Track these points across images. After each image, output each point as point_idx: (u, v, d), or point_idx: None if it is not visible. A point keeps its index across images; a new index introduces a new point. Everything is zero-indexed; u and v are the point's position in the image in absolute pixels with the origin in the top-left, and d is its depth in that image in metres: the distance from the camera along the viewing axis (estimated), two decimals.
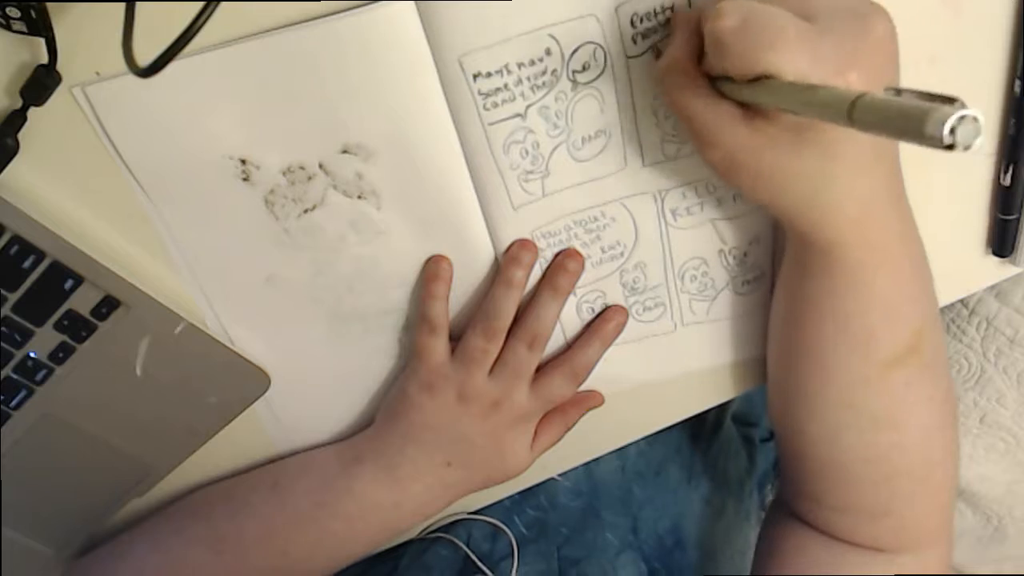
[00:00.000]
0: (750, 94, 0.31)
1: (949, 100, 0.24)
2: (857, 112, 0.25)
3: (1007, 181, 0.43)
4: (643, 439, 0.56)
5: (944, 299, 0.51)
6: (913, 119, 0.23)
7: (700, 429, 0.60)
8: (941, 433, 0.42)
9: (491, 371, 0.43)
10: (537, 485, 0.53)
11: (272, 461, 0.49)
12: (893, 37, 0.32)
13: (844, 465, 0.42)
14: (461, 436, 0.44)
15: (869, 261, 0.36)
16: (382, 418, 0.46)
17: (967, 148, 0.22)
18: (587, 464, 0.54)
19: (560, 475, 0.54)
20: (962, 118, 0.22)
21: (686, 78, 0.33)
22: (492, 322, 0.42)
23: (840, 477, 0.43)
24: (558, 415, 0.47)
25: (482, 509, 0.53)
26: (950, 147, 0.22)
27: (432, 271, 0.42)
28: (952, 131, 0.22)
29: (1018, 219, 0.45)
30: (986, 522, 0.66)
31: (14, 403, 0.40)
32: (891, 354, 0.38)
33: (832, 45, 0.30)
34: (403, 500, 0.45)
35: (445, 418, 0.44)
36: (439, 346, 0.43)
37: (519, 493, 0.53)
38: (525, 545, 0.52)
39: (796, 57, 0.30)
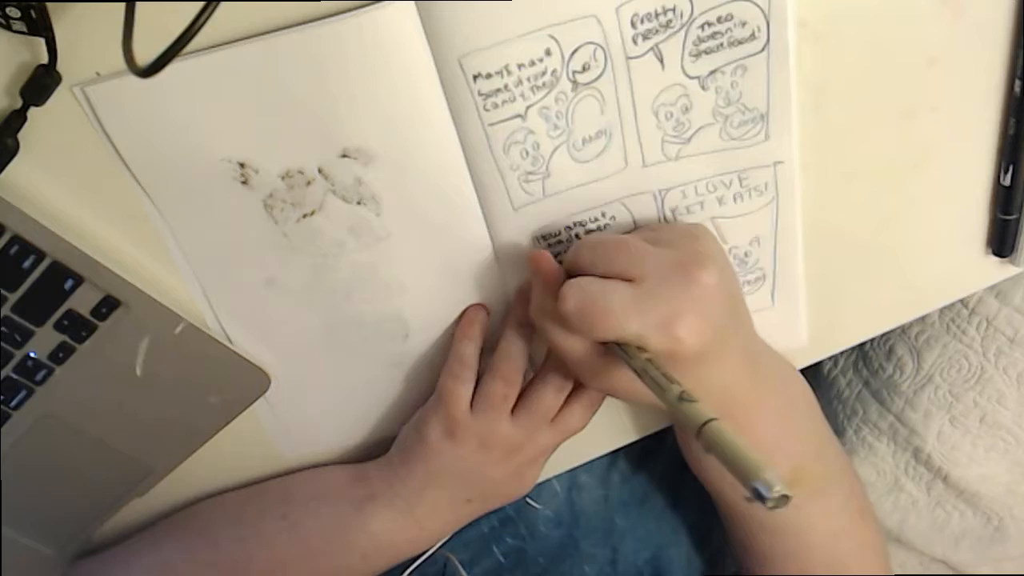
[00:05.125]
0: (617, 351, 0.36)
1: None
2: (704, 434, 0.30)
3: (1007, 181, 0.43)
4: (628, 466, 0.56)
5: (944, 299, 0.51)
6: (750, 466, 0.28)
7: None
8: (849, 532, 0.47)
9: (513, 411, 0.43)
10: (517, 512, 0.53)
11: (275, 463, 0.49)
12: (722, 282, 0.36)
13: (764, 555, 0.47)
14: (483, 478, 0.44)
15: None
16: (399, 457, 0.46)
17: (773, 507, 0.27)
18: (569, 492, 0.54)
19: (541, 504, 0.54)
20: (784, 496, 0.27)
21: (553, 322, 0.38)
22: (509, 364, 0.42)
23: (765, 566, 0.48)
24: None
25: (461, 531, 0.51)
26: (760, 499, 0.27)
27: (470, 315, 0.43)
28: (779, 497, 0.27)
29: (1018, 219, 0.45)
30: (986, 522, 0.66)
31: (14, 403, 0.40)
32: None
33: (655, 305, 0.35)
34: (420, 536, 0.46)
35: (467, 465, 0.43)
36: (464, 393, 0.43)
37: (499, 520, 0.53)
38: (501, 574, 0.52)
39: (625, 325, 0.35)
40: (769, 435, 0.42)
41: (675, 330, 0.35)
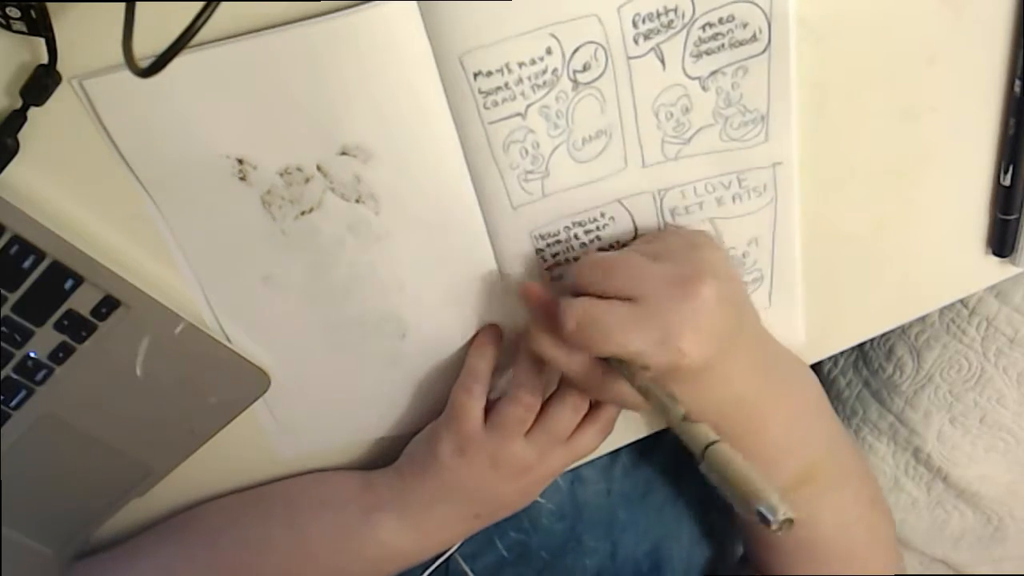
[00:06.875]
0: (619, 369, 0.37)
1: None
2: (707, 457, 0.30)
3: (1007, 181, 0.43)
4: (630, 460, 0.56)
5: (944, 299, 0.51)
6: (754, 490, 0.28)
7: None
8: (860, 523, 0.47)
9: (528, 432, 0.43)
10: None
11: (274, 464, 0.49)
12: (721, 293, 0.36)
13: (774, 544, 0.48)
14: (492, 495, 0.44)
15: (741, 431, 0.40)
16: (408, 469, 0.46)
17: (778, 530, 0.27)
18: (572, 486, 0.54)
19: (544, 498, 0.54)
20: (788, 519, 0.27)
21: (552, 344, 0.39)
22: (529, 387, 0.42)
23: (775, 555, 0.48)
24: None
25: None
26: (765, 522, 0.27)
27: (486, 334, 0.44)
28: (783, 522, 0.27)
29: (1018, 219, 0.45)
30: (986, 522, 0.66)
31: (14, 403, 0.40)
32: (784, 485, 0.42)
33: (655, 322, 0.35)
34: (428, 546, 0.46)
35: (477, 482, 0.43)
36: (477, 410, 0.43)
37: None
38: (504, 569, 0.52)
39: (626, 343, 0.35)
40: (781, 437, 0.42)
41: (676, 345, 0.35)
